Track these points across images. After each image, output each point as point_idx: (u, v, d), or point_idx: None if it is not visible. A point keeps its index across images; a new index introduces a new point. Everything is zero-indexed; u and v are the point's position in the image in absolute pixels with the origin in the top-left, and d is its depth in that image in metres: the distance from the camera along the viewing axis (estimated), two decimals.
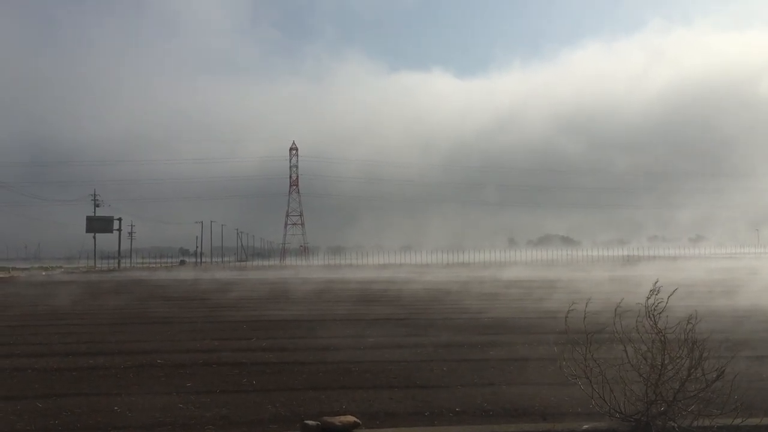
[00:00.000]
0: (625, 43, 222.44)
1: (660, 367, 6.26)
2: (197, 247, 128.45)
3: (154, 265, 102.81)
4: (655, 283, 6.56)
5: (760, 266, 49.94)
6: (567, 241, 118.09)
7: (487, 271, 54.79)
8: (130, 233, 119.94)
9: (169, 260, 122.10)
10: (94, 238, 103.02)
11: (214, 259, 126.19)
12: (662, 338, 6.31)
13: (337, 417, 7.30)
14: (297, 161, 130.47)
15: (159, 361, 11.71)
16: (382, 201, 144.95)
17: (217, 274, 61.47)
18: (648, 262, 67.19)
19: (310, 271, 65.78)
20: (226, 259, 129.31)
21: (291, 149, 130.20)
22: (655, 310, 6.42)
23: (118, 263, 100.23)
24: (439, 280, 40.73)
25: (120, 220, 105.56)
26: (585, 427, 6.62)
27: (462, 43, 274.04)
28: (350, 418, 7.25)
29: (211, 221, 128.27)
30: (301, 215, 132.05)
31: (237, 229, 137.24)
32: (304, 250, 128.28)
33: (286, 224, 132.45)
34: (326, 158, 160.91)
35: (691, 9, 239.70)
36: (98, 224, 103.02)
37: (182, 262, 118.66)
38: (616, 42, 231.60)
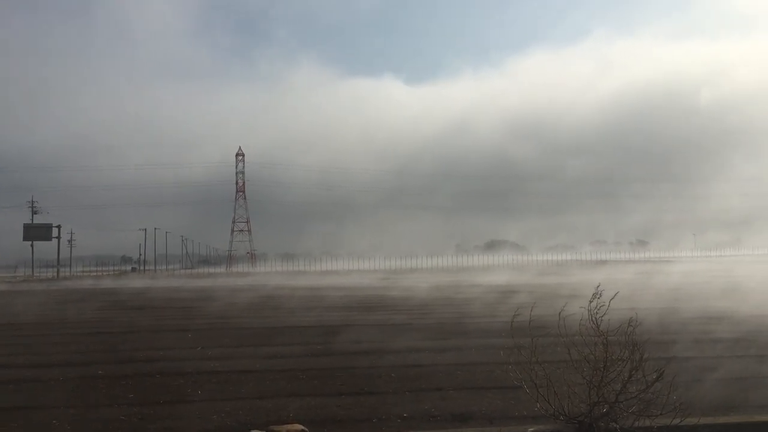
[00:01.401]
0: (571, 52, 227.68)
1: (602, 369, 6.39)
2: (140, 254, 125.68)
3: (97, 273, 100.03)
4: (597, 287, 6.71)
5: (701, 270, 51.70)
6: (514, 246, 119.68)
7: (435, 275, 55.26)
8: (70, 241, 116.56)
9: (112, 268, 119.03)
10: (32, 246, 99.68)
11: (158, 267, 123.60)
12: (604, 341, 6.45)
13: (284, 425, 7.22)
14: (243, 167, 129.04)
15: (100, 372, 11.39)
16: (334, 207, 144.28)
17: (161, 281, 60.24)
18: (593, 266, 68.61)
19: (256, 278, 65.04)
20: (170, 266, 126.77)
21: (237, 155, 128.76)
22: (597, 313, 6.56)
23: (57, 272, 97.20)
24: (382, 286, 40.83)
25: (59, 227, 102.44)
26: (530, 430, 6.71)
27: (412, 50, 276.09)
28: (297, 427, 7.19)
29: (155, 228, 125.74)
30: (247, 222, 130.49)
31: (182, 236, 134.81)
32: (252, 257, 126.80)
33: (232, 231, 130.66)
34: (277, 164, 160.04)
35: (634, 20, 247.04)
36: (36, 232, 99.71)
37: (134, 269, 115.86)
38: (563, 50, 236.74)
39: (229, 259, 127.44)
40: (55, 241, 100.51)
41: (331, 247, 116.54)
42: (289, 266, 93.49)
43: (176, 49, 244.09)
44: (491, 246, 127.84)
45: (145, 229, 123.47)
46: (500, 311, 19.87)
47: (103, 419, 8.03)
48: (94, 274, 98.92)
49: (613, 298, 6.74)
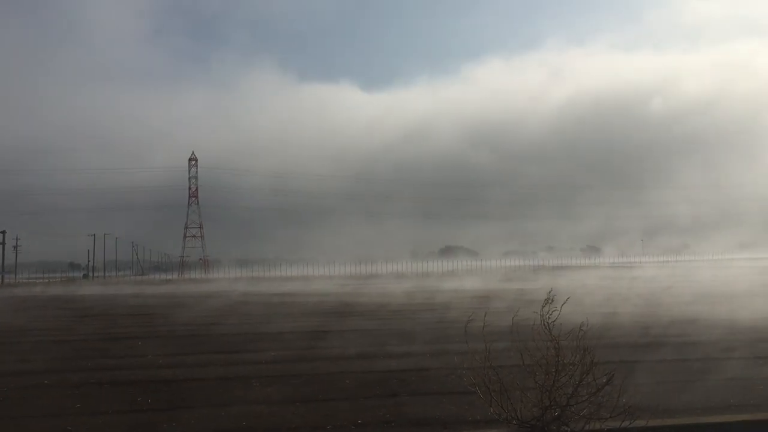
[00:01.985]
0: (525, 60, 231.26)
1: (554, 373, 6.49)
2: (89, 260, 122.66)
3: (45, 280, 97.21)
4: (550, 292, 6.81)
5: (652, 275, 52.90)
6: (468, 252, 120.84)
7: (399, 281, 55.33)
8: (15, 247, 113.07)
9: (60, 275, 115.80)
10: None
11: (107, 274, 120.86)
12: (556, 345, 6.55)
13: None
14: (197, 172, 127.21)
15: (46, 381, 11.08)
16: (290, 213, 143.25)
17: (112, 288, 58.92)
18: (546, 272, 69.57)
19: (217, 285, 63.96)
20: (120, 273, 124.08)
21: (190, 159, 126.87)
22: (549, 318, 6.66)
23: (2, 278, 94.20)
24: (335, 292, 40.71)
25: (5, 233, 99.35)
26: None
27: (369, 56, 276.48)
28: None
29: (105, 234, 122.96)
30: (200, 227, 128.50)
31: (132, 242, 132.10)
32: (205, 263, 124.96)
33: (185, 236, 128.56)
34: (231, 169, 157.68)
35: (586, 30, 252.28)
36: None
37: (85, 276, 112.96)
38: (517, 58, 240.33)
39: (182, 265, 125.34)
40: None
41: (286, 253, 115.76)
42: (244, 272, 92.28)
43: (130, 52, 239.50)
44: (446, 252, 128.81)
45: (94, 235, 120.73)
46: (476, 317, 19.99)
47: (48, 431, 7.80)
48: (43, 280, 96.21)
49: (564, 303, 6.85)
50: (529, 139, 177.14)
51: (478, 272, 74.42)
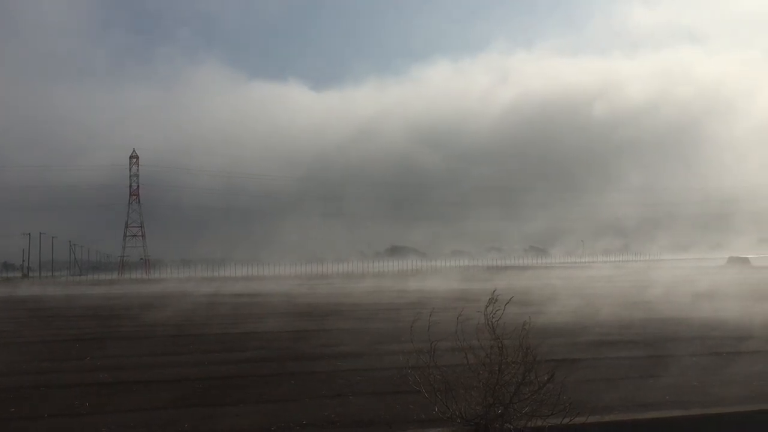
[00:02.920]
0: (471, 62, 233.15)
1: (497, 371, 6.58)
2: (23, 260, 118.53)
3: None
4: (494, 292, 6.89)
5: (592, 276, 54.18)
6: (414, 252, 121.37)
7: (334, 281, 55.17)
8: None
9: None
10: None
11: (43, 274, 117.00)
12: (500, 344, 6.64)
13: None
14: (138, 170, 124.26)
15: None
16: (236, 213, 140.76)
17: (50, 289, 57.03)
18: (501, 272, 69.89)
19: (165, 285, 62.43)
20: (57, 273, 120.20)
21: (131, 157, 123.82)
22: (493, 318, 6.74)
23: None
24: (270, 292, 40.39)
25: None
26: None
27: (318, 55, 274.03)
28: None
29: (41, 233, 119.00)
30: (141, 226, 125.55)
31: (70, 242, 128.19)
32: (146, 263, 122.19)
33: (125, 236, 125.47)
34: (175, 167, 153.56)
35: (532, 34, 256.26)
36: None
37: (24, 276, 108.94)
38: (464, 60, 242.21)
39: (122, 265, 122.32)
40: None
41: (232, 253, 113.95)
42: (187, 273, 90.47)
43: (69, 46, 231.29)
44: (392, 252, 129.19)
45: (29, 234, 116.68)
46: (441, 318, 20.05)
47: None
48: None
49: (507, 303, 6.94)
50: (476, 141, 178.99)
51: (433, 273, 73.95)
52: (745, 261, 65.44)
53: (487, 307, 6.83)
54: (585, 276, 53.97)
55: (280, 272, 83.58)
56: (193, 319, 22.48)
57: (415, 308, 22.87)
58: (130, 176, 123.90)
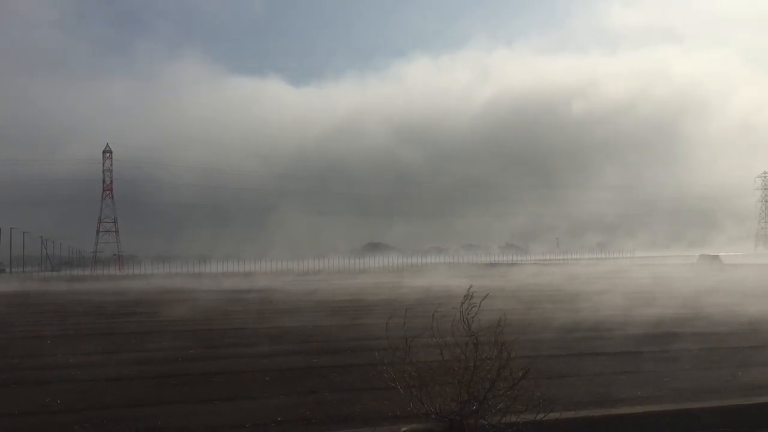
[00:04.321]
0: (451, 59, 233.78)
1: (472, 368, 6.60)
2: None
3: None
4: (469, 288, 6.91)
5: (558, 271, 54.66)
6: (390, 249, 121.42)
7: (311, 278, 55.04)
8: None
9: None
10: None
11: (14, 269, 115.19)
12: (474, 341, 6.66)
13: None
14: (111, 165, 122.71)
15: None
16: (213, 209, 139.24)
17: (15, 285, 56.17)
18: (482, 269, 69.71)
19: (148, 281, 61.74)
20: (28, 269, 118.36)
21: (105, 152, 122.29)
22: (468, 314, 6.76)
23: None
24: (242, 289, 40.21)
25: None
26: (403, 429, 6.82)
27: (298, 51, 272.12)
28: None
29: (11, 228, 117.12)
30: (115, 222, 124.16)
31: (41, 237, 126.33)
32: (119, 260, 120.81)
33: (98, 231, 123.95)
34: (152, 162, 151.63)
35: (512, 32, 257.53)
36: None
37: (2, 271, 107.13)
38: (444, 57, 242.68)
39: (94, 261, 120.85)
40: None
41: (209, 249, 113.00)
42: (163, 269, 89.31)
43: (44, 38, 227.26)
44: (370, 248, 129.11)
45: (0, 229, 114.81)
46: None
47: None
48: None
49: (483, 299, 6.96)
50: (455, 138, 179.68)
51: (421, 270, 73.36)
52: (715, 259, 66.42)
53: (462, 303, 6.85)
54: (583, 272, 53.48)
55: (260, 269, 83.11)
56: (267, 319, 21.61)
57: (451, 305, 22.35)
58: (104, 171, 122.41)
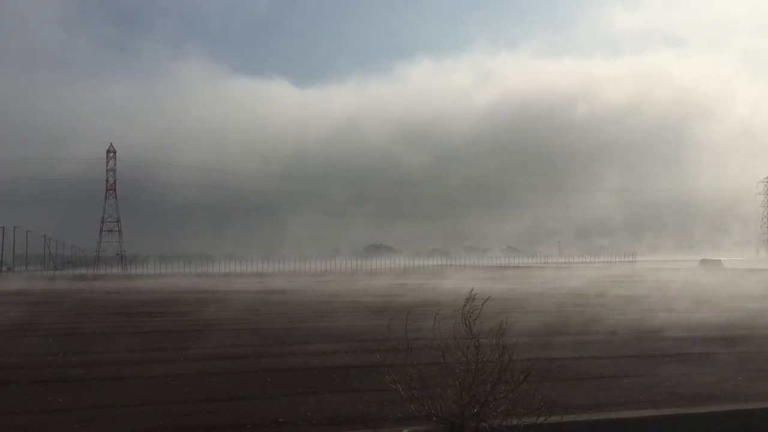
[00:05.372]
0: (454, 61, 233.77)
1: (474, 370, 6.60)
2: None
3: None
4: (471, 291, 6.91)
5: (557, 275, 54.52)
6: (391, 250, 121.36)
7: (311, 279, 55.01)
8: None
9: None
10: None
11: (17, 268, 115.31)
12: (476, 343, 6.66)
13: None
14: (115, 164, 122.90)
15: None
16: (216, 209, 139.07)
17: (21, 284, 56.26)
18: (495, 272, 69.38)
19: (156, 281, 61.80)
20: (30, 268, 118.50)
21: (108, 152, 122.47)
22: (470, 316, 6.76)
23: None
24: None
25: None
26: (404, 431, 6.82)
27: (301, 52, 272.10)
28: None
29: (15, 227, 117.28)
30: (118, 221, 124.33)
31: (45, 236, 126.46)
32: (122, 259, 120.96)
33: (101, 231, 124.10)
34: (155, 162, 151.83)
35: (515, 35, 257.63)
36: None
37: (8, 269, 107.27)
38: (447, 59, 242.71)
39: (97, 260, 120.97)
40: None
41: (211, 249, 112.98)
42: (167, 269, 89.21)
43: (49, 37, 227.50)
44: (371, 250, 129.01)
45: (3, 228, 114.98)
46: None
47: None
48: None
49: (485, 302, 6.96)
50: (457, 140, 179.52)
51: (429, 272, 72.91)
52: (717, 263, 66.24)
53: (464, 306, 6.86)
54: (600, 276, 52.40)
55: (263, 269, 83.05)
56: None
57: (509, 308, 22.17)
58: (107, 170, 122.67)
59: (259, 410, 8.36)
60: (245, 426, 7.65)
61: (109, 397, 9.35)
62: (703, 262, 67.61)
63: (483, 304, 6.88)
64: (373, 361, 10.96)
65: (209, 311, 23.90)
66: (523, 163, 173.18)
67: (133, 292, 38.61)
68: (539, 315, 20.48)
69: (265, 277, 63.73)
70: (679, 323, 17.61)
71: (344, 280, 54.65)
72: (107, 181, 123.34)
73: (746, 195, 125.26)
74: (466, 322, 6.76)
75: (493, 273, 61.97)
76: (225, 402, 8.87)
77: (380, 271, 76.75)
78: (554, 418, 6.75)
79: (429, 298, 27.43)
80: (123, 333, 17.08)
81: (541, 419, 6.57)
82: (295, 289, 40.41)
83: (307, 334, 16.51)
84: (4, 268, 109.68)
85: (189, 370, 11.32)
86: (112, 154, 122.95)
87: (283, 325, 18.85)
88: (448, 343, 6.78)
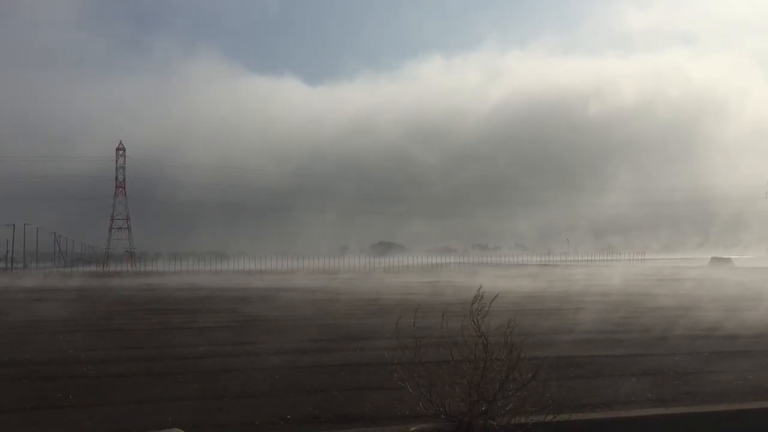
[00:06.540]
0: (464, 59, 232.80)
1: (482, 368, 6.59)
2: (7, 251, 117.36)
3: None
4: (479, 288, 6.90)
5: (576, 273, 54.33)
6: (400, 248, 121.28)
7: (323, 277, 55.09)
8: None
9: None
10: None
11: (28, 265, 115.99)
12: (484, 341, 6.65)
13: (163, 431, 6.97)
14: (125, 162, 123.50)
15: None
16: (226, 207, 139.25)
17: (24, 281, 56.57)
18: (498, 269, 68.82)
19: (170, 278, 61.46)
20: (41, 265, 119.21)
21: (118, 149, 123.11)
22: (478, 314, 6.75)
23: None
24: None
25: None
26: (412, 429, 6.81)
27: (312, 50, 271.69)
28: (177, 431, 6.95)
29: (25, 224, 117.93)
30: (127, 219, 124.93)
31: (54, 233, 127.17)
32: (131, 257, 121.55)
33: (110, 228, 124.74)
34: (166, 160, 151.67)
35: (525, 33, 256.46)
36: None
37: (24, 266, 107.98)
38: (457, 57, 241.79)
39: (106, 257, 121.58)
40: None
41: (221, 247, 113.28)
42: (177, 266, 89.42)
43: (60, 36, 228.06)
44: (380, 248, 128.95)
45: (14, 225, 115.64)
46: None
47: None
48: None
49: (493, 300, 6.95)
50: (467, 138, 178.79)
51: (444, 270, 72.24)
52: (727, 261, 65.94)
53: (472, 304, 6.85)
54: (623, 274, 51.32)
55: (275, 267, 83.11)
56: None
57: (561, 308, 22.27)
58: (117, 168, 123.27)
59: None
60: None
61: (234, 387, 9.66)
62: (714, 260, 67.33)
63: (491, 302, 6.85)
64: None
65: (265, 307, 23.99)
66: (533, 162, 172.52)
67: (171, 290, 38.44)
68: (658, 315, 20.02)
69: (285, 274, 63.62)
70: None
71: (365, 277, 54.31)
72: (116, 178, 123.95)
73: (757, 194, 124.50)
74: (474, 319, 6.73)
75: (518, 271, 61.08)
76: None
77: (396, 269, 76.53)
78: (562, 417, 6.72)
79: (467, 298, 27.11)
80: (200, 328, 17.59)
81: (550, 417, 6.56)
82: (330, 287, 40.12)
83: (379, 330, 15.94)
84: (19, 266, 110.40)
85: (305, 362, 11.75)
86: (121, 152, 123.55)
87: (350, 321, 18.87)
88: (457, 340, 6.78)
